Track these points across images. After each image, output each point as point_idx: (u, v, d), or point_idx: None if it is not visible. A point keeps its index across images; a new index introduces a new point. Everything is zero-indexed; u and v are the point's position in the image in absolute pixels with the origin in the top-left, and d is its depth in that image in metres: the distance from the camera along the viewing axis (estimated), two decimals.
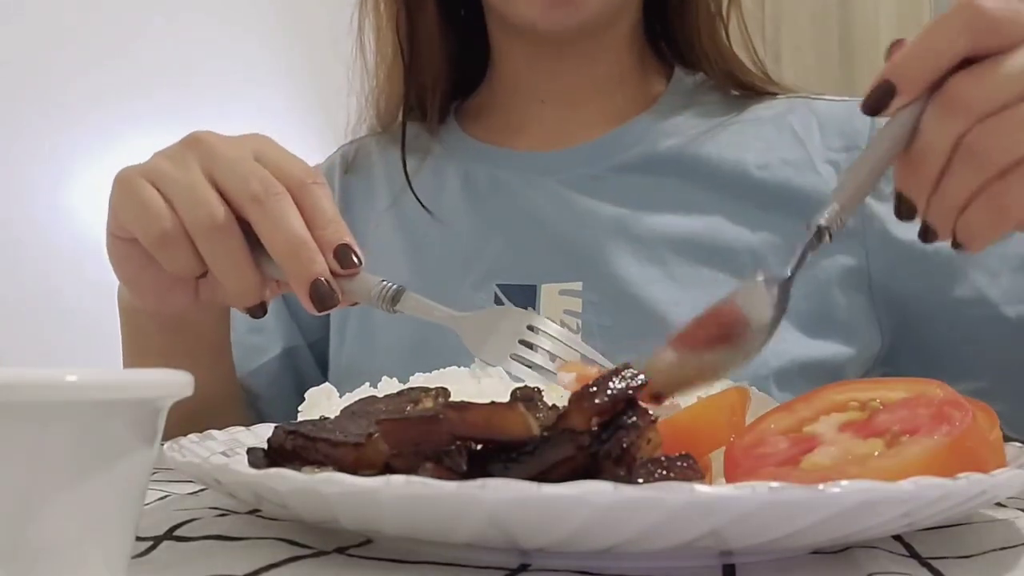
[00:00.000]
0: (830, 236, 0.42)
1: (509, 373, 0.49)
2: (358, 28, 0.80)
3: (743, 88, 0.77)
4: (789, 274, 0.42)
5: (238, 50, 2.14)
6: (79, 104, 1.81)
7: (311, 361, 0.79)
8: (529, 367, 0.51)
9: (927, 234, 0.44)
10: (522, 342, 0.51)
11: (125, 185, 0.49)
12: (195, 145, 0.50)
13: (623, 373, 0.33)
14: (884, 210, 0.69)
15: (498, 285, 0.70)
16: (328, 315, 0.77)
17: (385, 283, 0.50)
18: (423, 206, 0.76)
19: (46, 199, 1.75)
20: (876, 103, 0.42)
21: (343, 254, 0.48)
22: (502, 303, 0.70)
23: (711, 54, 0.77)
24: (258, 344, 0.77)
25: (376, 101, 0.81)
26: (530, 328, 0.52)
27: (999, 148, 0.40)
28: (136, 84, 1.90)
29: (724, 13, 0.76)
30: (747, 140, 0.72)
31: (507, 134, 0.79)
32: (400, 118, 0.80)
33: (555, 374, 0.51)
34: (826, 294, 0.68)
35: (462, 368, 0.49)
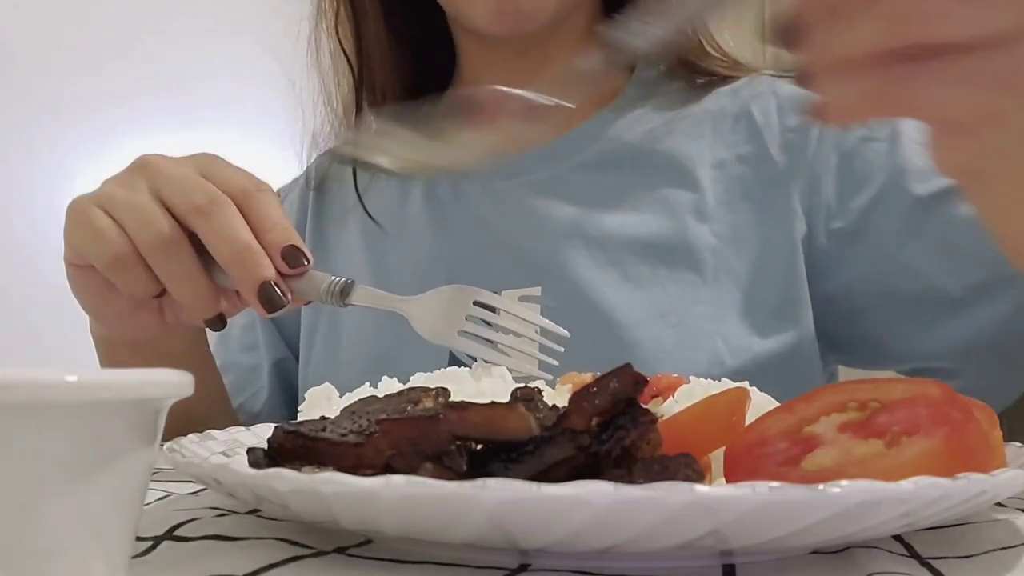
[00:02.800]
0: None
1: (511, 371, 0.49)
2: (315, 38, 0.81)
3: (708, 74, 0.76)
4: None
5: (239, 52, 2.14)
6: (79, 104, 1.81)
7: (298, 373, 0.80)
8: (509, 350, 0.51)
9: (805, 79, 0.34)
10: (470, 318, 0.51)
11: (77, 214, 0.51)
12: (142, 168, 0.51)
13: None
14: (832, 189, 0.68)
15: None
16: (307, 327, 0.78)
17: (335, 279, 0.51)
18: (372, 219, 0.77)
19: (46, 199, 1.75)
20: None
21: (291, 255, 0.49)
22: None
23: None
24: (252, 363, 0.78)
25: (335, 110, 0.82)
26: (478, 304, 0.52)
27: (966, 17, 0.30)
28: (136, 84, 1.90)
29: None
30: (704, 135, 0.72)
31: None
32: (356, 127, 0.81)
33: (505, 351, 0.51)
34: (779, 276, 0.67)
35: (462, 368, 0.49)
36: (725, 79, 0.76)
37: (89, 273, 0.51)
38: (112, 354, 0.63)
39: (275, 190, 0.89)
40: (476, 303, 0.52)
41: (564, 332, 0.53)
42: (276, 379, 0.79)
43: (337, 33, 0.78)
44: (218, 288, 0.51)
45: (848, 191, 0.67)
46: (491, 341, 0.51)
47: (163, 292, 0.51)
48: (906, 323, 0.66)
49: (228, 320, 0.55)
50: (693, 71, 0.77)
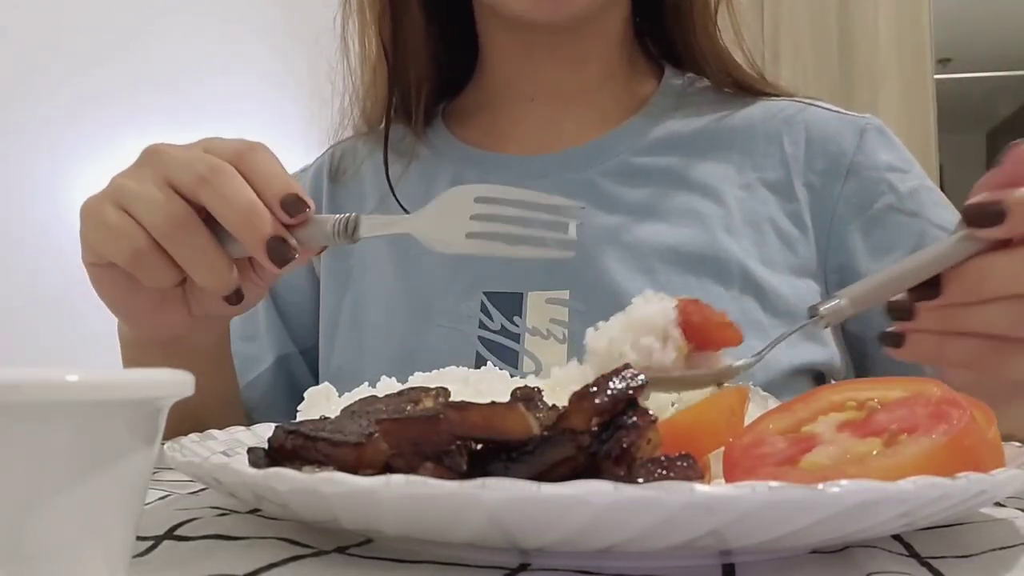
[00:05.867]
0: (825, 324, 0.44)
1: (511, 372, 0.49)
2: (341, 29, 0.79)
3: (738, 87, 0.77)
4: (760, 354, 0.45)
5: (239, 49, 2.14)
6: (79, 104, 1.81)
7: (304, 368, 0.79)
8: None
9: (892, 339, 0.45)
10: (475, 217, 0.49)
11: (91, 213, 0.50)
12: (149, 156, 0.51)
13: (623, 373, 0.33)
14: (855, 252, 0.70)
15: (485, 293, 0.70)
16: (318, 322, 0.77)
17: (339, 217, 0.50)
18: (404, 209, 0.75)
19: (46, 199, 1.75)
20: (978, 219, 0.41)
21: (290, 204, 0.48)
22: (488, 312, 0.69)
23: (707, 52, 0.76)
24: (252, 353, 0.77)
25: (362, 102, 0.81)
26: (480, 200, 0.50)
27: None
28: (136, 84, 1.90)
29: (714, 10, 0.76)
30: (732, 154, 0.73)
31: (496, 136, 0.78)
32: (385, 121, 0.80)
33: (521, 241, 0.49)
34: (803, 301, 0.68)
35: (462, 368, 0.49)
36: (756, 95, 0.76)
37: (110, 271, 0.51)
38: (139, 354, 0.63)
39: None
40: (478, 200, 0.50)
41: (578, 204, 0.51)
42: (279, 373, 0.78)
43: (380, 27, 0.77)
44: (232, 261, 0.50)
45: (872, 256, 0.69)
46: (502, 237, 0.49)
47: (184, 280, 0.51)
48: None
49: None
50: (727, 81, 0.77)
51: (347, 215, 0.50)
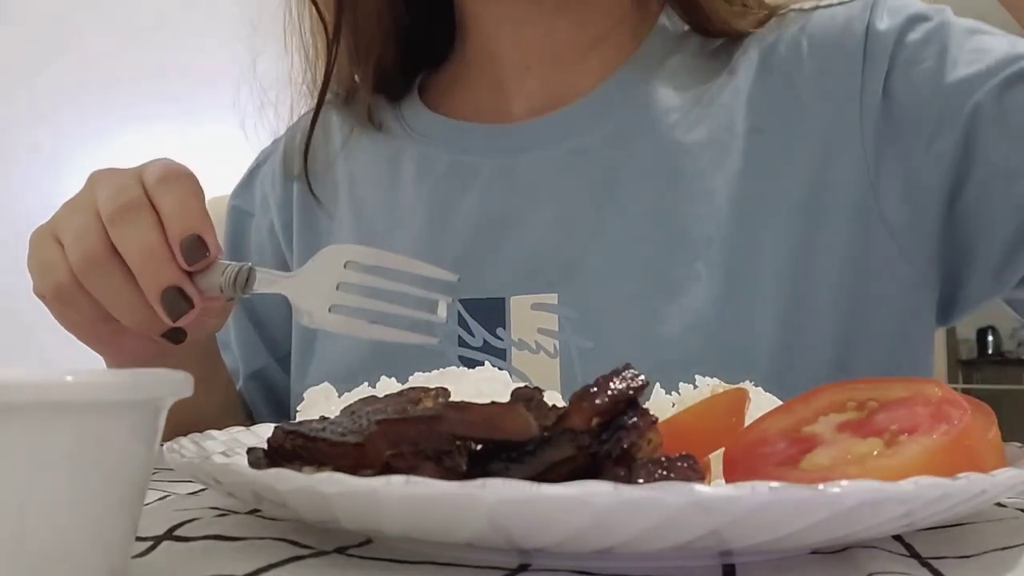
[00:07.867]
0: None
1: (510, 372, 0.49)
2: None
3: (719, 32, 0.66)
4: None
5: (237, 49, 2.14)
6: (77, 104, 1.81)
7: (284, 377, 0.74)
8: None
9: None
10: (343, 286, 0.45)
11: (31, 244, 0.49)
12: (88, 183, 0.48)
13: (624, 373, 0.33)
14: (903, 129, 0.60)
15: (461, 301, 0.61)
16: (294, 328, 0.72)
17: (231, 267, 0.46)
18: (315, 196, 0.68)
19: (44, 199, 1.75)
20: None
21: (188, 248, 0.44)
22: (467, 325, 0.61)
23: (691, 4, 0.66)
24: (229, 366, 0.74)
25: (314, 75, 0.74)
26: (350, 266, 0.46)
27: None
28: (134, 84, 1.90)
29: None
30: (735, 104, 0.62)
31: (479, 111, 0.69)
32: (319, 93, 0.71)
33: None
34: (835, 253, 0.59)
35: (462, 368, 0.49)
36: (742, 33, 0.65)
37: (52, 303, 0.50)
38: None
39: (256, 161, 0.78)
40: (349, 265, 0.45)
41: (454, 277, 0.46)
42: (257, 388, 0.74)
43: None
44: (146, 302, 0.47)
45: (916, 132, 0.59)
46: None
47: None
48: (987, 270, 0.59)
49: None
50: (705, 29, 0.65)
51: (240, 266, 0.46)
